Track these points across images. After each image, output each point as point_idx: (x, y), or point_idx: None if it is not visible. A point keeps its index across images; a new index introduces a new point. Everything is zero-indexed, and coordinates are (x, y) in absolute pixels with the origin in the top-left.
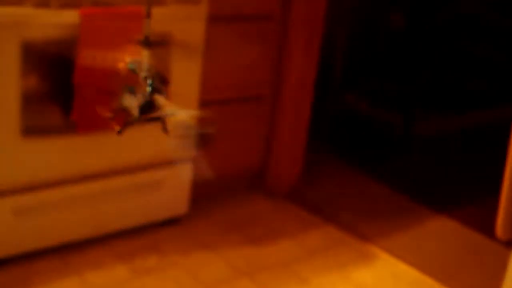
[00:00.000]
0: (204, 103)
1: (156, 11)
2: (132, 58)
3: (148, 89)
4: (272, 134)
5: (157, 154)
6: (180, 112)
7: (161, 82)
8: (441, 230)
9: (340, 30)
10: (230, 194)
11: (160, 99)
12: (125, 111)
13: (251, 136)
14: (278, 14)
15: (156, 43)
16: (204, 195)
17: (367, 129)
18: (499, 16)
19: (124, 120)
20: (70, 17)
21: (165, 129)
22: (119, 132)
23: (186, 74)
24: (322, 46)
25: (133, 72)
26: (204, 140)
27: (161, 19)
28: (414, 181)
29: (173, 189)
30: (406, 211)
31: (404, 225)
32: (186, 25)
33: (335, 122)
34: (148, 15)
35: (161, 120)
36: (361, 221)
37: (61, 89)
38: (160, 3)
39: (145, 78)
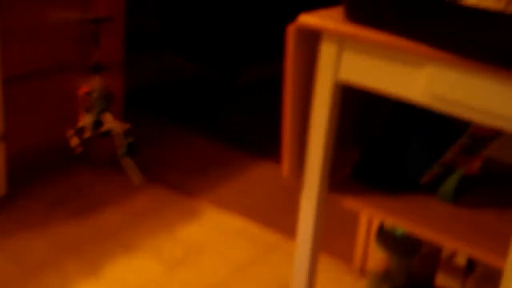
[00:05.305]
0: (11, 79)
1: None
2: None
3: (98, 108)
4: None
5: None
6: (116, 125)
7: (107, 100)
8: (265, 176)
9: None
10: (52, 169)
11: (106, 116)
12: (83, 128)
13: (64, 107)
14: None
15: (104, 68)
16: (24, 173)
17: (187, 85)
18: None
19: (81, 136)
20: None
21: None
22: (78, 147)
23: None
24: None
25: (87, 95)
26: (133, 149)
27: None
28: (236, 131)
29: None
30: (230, 162)
31: (229, 176)
32: None
33: (154, 82)
34: (96, 44)
35: (109, 134)
36: (188, 178)
37: None
38: None
39: (96, 99)
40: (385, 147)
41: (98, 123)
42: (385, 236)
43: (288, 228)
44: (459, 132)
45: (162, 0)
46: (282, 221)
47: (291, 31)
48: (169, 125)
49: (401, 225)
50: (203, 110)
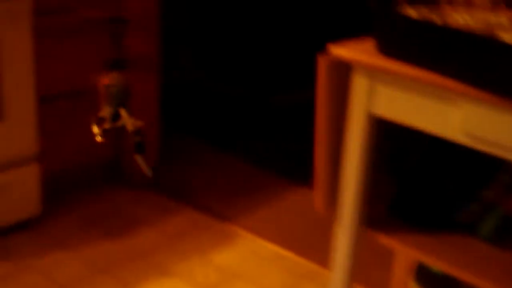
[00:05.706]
0: (46, 99)
1: None
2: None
3: (116, 102)
4: None
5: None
6: (128, 122)
7: (126, 95)
8: (301, 203)
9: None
10: (88, 188)
11: (122, 110)
12: (103, 119)
13: None
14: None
15: (125, 66)
16: (59, 192)
17: (222, 108)
18: None
19: (101, 127)
20: None
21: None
22: (99, 136)
23: (20, 74)
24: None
25: (107, 88)
26: (141, 147)
27: None
28: (272, 155)
29: (20, 191)
30: (266, 187)
31: (264, 201)
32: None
33: (188, 103)
34: (117, 42)
35: (124, 128)
36: (221, 202)
37: None
38: None
39: (114, 93)
40: (422, 183)
41: (116, 116)
42: (423, 274)
43: (323, 257)
44: (499, 167)
45: (197, 22)
46: (317, 249)
47: (323, 63)
48: (202, 147)
49: (438, 265)
50: (237, 133)
